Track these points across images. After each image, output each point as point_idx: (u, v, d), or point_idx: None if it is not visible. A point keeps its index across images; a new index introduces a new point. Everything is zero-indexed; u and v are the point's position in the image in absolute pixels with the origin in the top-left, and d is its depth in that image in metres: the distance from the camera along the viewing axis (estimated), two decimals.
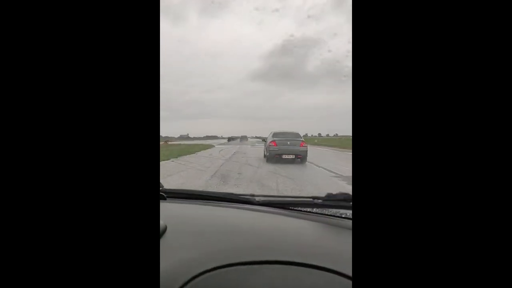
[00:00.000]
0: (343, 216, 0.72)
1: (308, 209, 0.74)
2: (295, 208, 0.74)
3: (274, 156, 7.98)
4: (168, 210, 0.68)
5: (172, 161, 9.02)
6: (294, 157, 7.94)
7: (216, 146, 21.65)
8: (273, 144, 8.01)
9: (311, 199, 0.75)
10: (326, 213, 0.72)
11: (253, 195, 0.77)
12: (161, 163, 7.51)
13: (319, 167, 7.30)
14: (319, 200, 0.74)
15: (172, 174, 6.03)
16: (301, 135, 8.85)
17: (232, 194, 0.77)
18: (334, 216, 0.71)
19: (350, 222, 0.71)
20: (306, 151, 8.10)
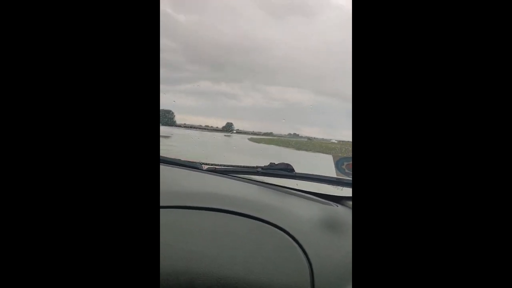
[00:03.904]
0: (283, 186, 0.76)
1: (251, 177, 0.79)
2: (238, 176, 0.78)
3: None
4: None
5: None
6: None
7: None
8: None
9: (253, 168, 0.78)
10: (267, 181, 0.77)
11: (200, 163, 0.82)
12: None
13: None
14: (260, 169, 0.78)
15: None
16: None
17: (180, 160, 0.81)
18: (274, 185, 0.76)
19: (289, 190, 0.75)
20: None
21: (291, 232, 0.54)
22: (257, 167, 0.78)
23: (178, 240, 0.51)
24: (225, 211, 0.56)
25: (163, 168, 0.75)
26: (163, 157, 0.80)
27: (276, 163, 0.79)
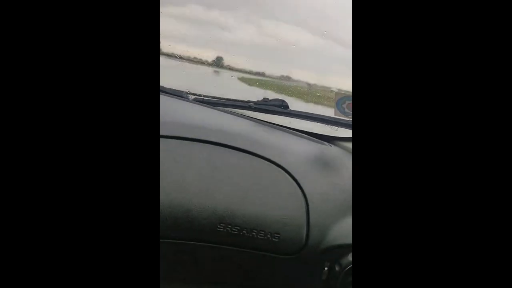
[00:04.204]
0: (272, 123, 0.74)
1: (242, 111, 0.77)
2: (227, 109, 0.75)
3: None
4: None
5: None
6: None
7: None
8: None
9: (245, 102, 0.73)
10: (259, 118, 0.74)
11: (186, 92, 0.77)
12: None
13: None
14: (253, 104, 0.74)
15: None
16: None
17: (164, 87, 0.75)
18: (268, 122, 0.74)
19: (282, 128, 0.73)
20: None
21: (287, 168, 0.54)
22: (249, 101, 0.75)
23: (173, 171, 0.50)
24: (220, 144, 0.55)
25: None
26: None
27: (269, 98, 0.76)
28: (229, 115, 0.72)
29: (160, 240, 0.46)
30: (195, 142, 0.55)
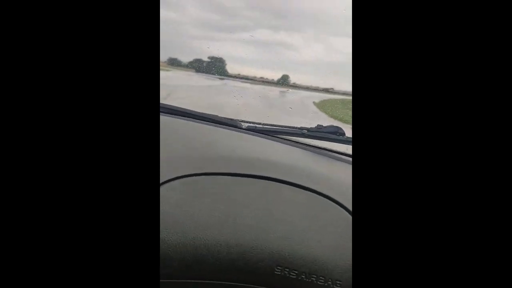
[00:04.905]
0: (328, 149, 0.71)
1: (295, 139, 0.73)
2: (280, 137, 0.72)
3: None
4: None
5: None
6: None
7: None
8: None
9: (298, 129, 0.71)
10: (312, 144, 0.71)
11: (240, 120, 0.76)
12: None
13: None
14: (306, 131, 0.71)
15: None
16: None
17: (217, 116, 0.75)
18: (320, 148, 0.71)
19: (338, 155, 0.70)
20: None
21: (346, 205, 0.51)
22: (302, 128, 0.71)
23: (230, 211, 0.49)
24: (275, 179, 0.53)
25: (204, 127, 0.71)
26: (203, 113, 0.75)
27: (324, 125, 0.71)
28: (282, 144, 0.70)
29: (217, 282, 0.46)
30: (250, 178, 0.53)
